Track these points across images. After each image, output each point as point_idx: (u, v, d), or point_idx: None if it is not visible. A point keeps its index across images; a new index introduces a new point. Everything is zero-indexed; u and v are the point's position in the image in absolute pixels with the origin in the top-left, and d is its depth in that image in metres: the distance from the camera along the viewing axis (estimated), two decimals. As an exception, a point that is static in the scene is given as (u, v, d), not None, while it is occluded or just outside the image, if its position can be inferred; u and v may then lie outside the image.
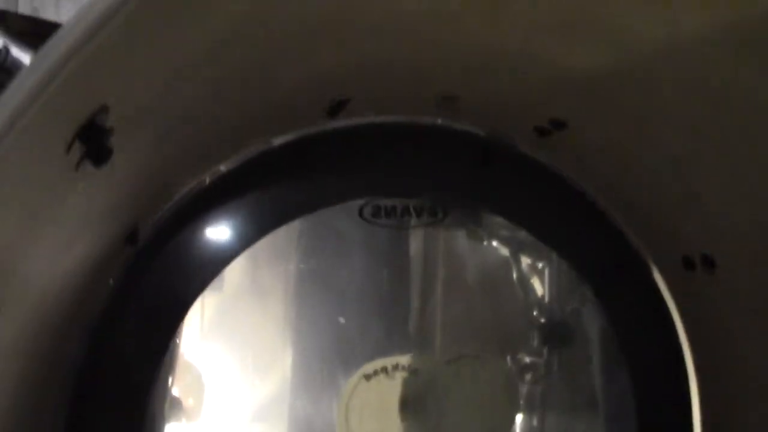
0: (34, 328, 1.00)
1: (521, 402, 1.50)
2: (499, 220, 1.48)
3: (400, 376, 1.34)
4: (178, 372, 1.38)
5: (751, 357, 1.18)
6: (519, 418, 1.52)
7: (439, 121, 1.27)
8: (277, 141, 1.24)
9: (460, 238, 1.46)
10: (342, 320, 1.36)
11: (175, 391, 1.40)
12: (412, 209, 1.29)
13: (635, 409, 1.33)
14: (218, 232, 1.23)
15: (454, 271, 1.49)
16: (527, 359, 1.50)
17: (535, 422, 1.53)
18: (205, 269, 1.21)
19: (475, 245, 1.47)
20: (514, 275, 1.50)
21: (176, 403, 1.40)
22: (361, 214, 1.26)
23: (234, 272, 1.38)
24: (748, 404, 1.20)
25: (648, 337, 1.31)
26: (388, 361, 1.34)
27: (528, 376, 1.50)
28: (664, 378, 1.31)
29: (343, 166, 1.25)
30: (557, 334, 1.51)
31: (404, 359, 1.35)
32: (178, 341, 1.33)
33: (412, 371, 1.35)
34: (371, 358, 1.34)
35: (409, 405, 1.35)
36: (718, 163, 1.05)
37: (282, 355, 1.47)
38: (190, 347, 1.43)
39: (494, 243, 1.52)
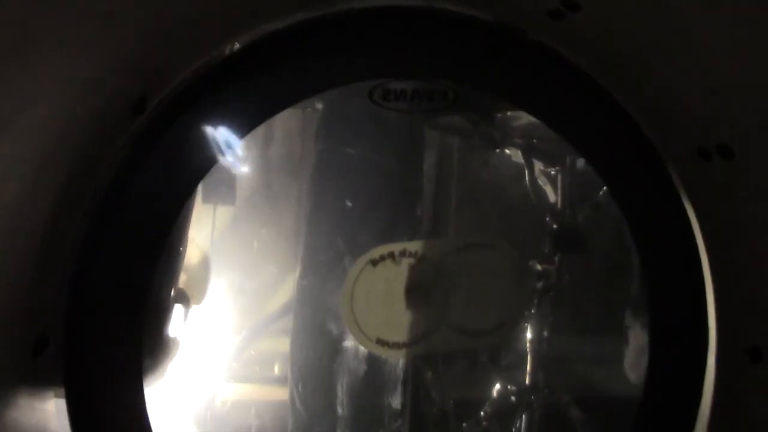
0: (33, 194, 0.99)
1: (533, 310, 1.48)
2: (515, 124, 1.47)
3: (407, 263, 1.32)
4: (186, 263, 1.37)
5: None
6: (529, 330, 1.51)
7: (451, 6, 1.25)
8: (289, 21, 1.22)
9: (474, 132, 1.45)
10: (349, 203, 1.35)
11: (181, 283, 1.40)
12: (422, 93, 1.26)
13: (649, 310, 1.30)
14: (229, 109, 1.21)
15: (467, 163, 1.48)
16: (539, 266, 1.48)
17: (546, 333, 1.51)
18: (215, 145, 1.19)
19: (490, 145, 1.46)
20: (527, 180, 1.48)
21: (181, 295, 1.40)
22: (371, 97, 1.24)
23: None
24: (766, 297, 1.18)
25: (663, 232, 1.28)
26: (395, 247, 1.32)
27: (540, 284, 1.48)
28: (678, 274, 1.28)
29: (353, 47, 1.23)
30: (569, 240, 1.50)
31: (412, 245, 1.33)
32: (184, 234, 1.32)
33: (420, 258, 1.33)
34: (378, 243, 1.33)
35: (415, 292, 1.33)
36: (738, 46, 1.02)
37: (289, 237, 1.46)
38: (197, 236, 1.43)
39: (507, 151, 1.51)
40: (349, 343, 1.39)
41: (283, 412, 1.56)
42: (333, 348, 1.38)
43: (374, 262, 1.31)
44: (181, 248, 1.31)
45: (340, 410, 1.40)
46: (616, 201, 1.29)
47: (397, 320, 1.32)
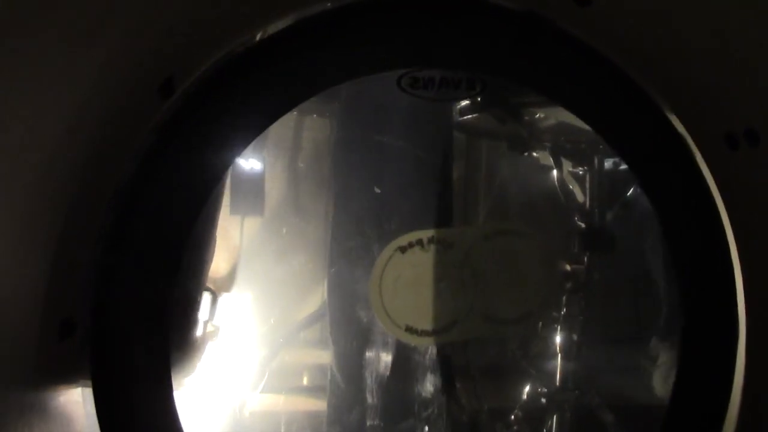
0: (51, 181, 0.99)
1: (562, 311, 1.47)
2: (543, 125, 1.47)
3: (435, 250, 1.32)
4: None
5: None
6: (559, 331, 1.49)
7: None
8: (319, 8, 1.23)
9: (502, 131, 1.45)
10: (377, 190, 1.35)
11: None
12: (449, 81, 1.27)
13: (681, 305, 1.28)
14: (258, 95, 1.22)
15: (495, 162, 1.48)
16: (568, 266, 1.47)
17: (575, 335, 1.50)
18: (243, 131, 1.20)
19: (518, 144, 1.47)
20: (556, 180, 1.48)
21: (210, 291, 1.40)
22: (399, 84, 1.26)
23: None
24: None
25: (692, 222, 1.27)
26: (424, 234, 1.32)
27: (569, 284, 1.47)
28: (708, 265, 1.27)
29: (383, 35, 1.24)
30: (597, 240, 1.49)
31: (441, 232, 1.33)
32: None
33: (448, 245, 1.32)
34: (406, 230, 1.32)
35: (444, 279, 1.32)
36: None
37: (318, 247, 1.46)
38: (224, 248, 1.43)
39: (535, 151, 1.51)
40: (378, 330, 1.37)
41: (311, 422, 1.54)
42: (362, 336, 1.37)
43: (403, 249, 1.31)
44: (209, 241, 1.31)
45: (370, 398, 1.39)
46: (645, 192, 1.28)
47: (425, 307, 1.32)
